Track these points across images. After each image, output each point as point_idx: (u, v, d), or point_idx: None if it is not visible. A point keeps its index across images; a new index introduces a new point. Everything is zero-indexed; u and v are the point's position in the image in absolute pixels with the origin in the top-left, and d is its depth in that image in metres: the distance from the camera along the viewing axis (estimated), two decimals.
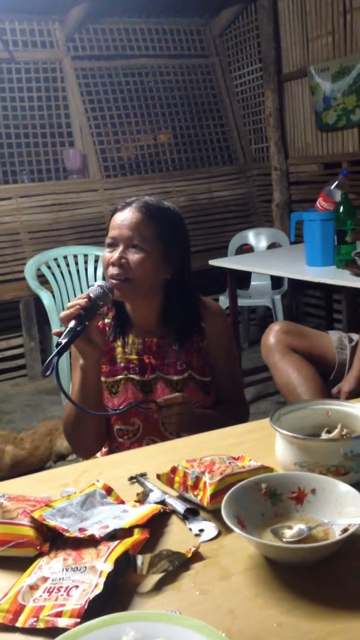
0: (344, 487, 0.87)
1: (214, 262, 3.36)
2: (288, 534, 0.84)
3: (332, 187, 2.80)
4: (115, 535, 0.89)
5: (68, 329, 1.24)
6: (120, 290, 1.35)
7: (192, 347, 1.44)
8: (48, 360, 1.18)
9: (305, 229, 2.95)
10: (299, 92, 4.29)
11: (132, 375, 1.43)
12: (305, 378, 1.86)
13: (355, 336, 2.02)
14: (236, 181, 4.89)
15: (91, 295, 1.29)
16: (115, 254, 1.35)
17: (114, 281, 1.35)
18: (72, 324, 1.24)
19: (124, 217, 1.37)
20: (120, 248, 1.35)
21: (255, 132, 4.84)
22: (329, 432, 1.08)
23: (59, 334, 1.23)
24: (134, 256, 1.34)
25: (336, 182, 2.78)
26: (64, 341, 1.21)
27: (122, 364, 1.44)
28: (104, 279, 1.40)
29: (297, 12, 4.13)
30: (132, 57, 4.52)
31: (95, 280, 4.02)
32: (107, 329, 1.46)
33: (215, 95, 4.85)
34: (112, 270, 1.35)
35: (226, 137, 4.91)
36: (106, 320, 1.47)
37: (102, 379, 1.43)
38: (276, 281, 4.12)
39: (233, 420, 1.36)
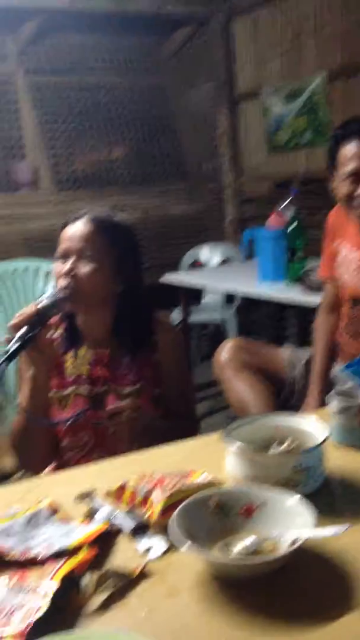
0: (292, 500, 0.88)
1: (166, 278, 3.37)
2: (237, 548, 0.83)
3: (283, 205, 2.86)
4: (61, 554, 0.87)
5: (17, 336, 1.22)
6: (70, 302, 1.34)
7: (144, 359, 1.43)
8: None
9: (257, 246, 3.00)
10: (251, 113, 4.37)
11: (82, 389, 1.41)
12: (257, 395, 1.87)
13: (306, 352, 2.05)
14: (190, 197, 4.93)
15: (41, 304, 1.28)
16: (66, 266, 1.34)
17: (64, 293, 1.33)
18: (21, 331, 1.23)
19: (75, 229, 1.36)
20: (72, 260, 1.35)
21: (208, 150, 4.91)
22: (278, 445, 1.09)
23: (9, 341, 1.21)
24: (84, 267, 1.34)
25: (287, 201, 2.85)
26: (13, 348, 1.19)
27: (72, 377, 1.42)
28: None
29: (250, 34, 4.23)
30: (87, 73, 4.52)
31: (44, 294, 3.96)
32: (57, 341, 1.44)
33: (169, 113, 4.90)
34: (63, 282, 1.34)
35: (180, 154, 4.96)
36: (56, 334, 1.45)
37: (51, 392, 1.41)
38: (228, 297, 4.16)
39: (183, 434, 1.36)
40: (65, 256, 1.36)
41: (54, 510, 0.99)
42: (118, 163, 4.71)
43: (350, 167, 1.68)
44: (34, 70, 4.34)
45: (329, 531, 0.80)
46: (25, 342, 1.23)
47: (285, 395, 1.97)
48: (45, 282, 3.99)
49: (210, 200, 4.93)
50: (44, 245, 4.28)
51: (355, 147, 1.68)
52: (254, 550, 0.82)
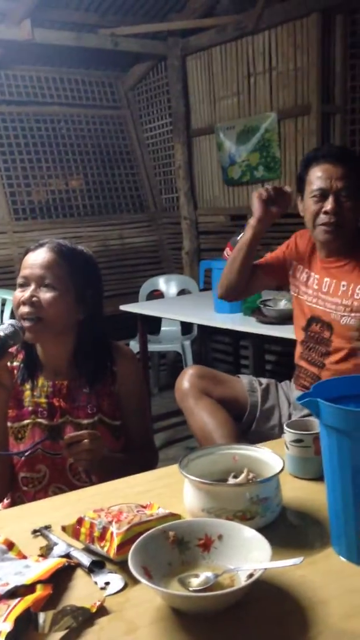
0: (249, 532, 0.89)
1: (124, 307, 3.38)
2: (194, 582, 0.83)
3: (238, 238, 2.92)
4: (16, 592, 0.85)
5: None
6: (31, 330, 1.33)
7: (103, 390, 1.43)
8: None
9: (213, 277, 3.05)
10: (206, 147, 4.48)
11: (40, 420, 1.39)
12: (220, 423, 1.89)
13: (264, 380, 2.08)
14: (147, 228, 4.98)
15: (1, 333, 1.26)
16: (27, 293, 1.33)
17: (25, 321, 1.32)
18: None
19: (37, 257, 1.36)
20: (32, 287, 1.34)
21: (165, 182, 4.99)
22: (235, 476, 1.10)
23: None
24: (45, 295, 1.33)
25: (241, 234, 2.90)
26: None
27: (30, 408, 1.40)
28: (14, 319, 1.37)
29: (205, 73, 4.36)
30: (45, 104, 4.56)
31: (2, 322, 3.91)
32: (15, 371, 1.42)
33: (126, 145, 4.97)
34: (23, 309, 1.33)
35: (137, 186, 5.02)
36: (15, 363, 1.43)
37: (8, 423, 1.39)
38: (186, 327, 4.19)
39: (142, 465, 1.35)
40: (25, 284, 1.35)
41: (8, 547, 0.97)
42: (75, 194, 4.73)
43: (316, 186, 1.78)
44: None
45: (285, 563, 0.82)
46: None
47: (247, 422, 2.00)
48: (1, 311, 3.94)
49: (167, 231, 4.99)
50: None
51: (323, 168, 1.78)
52: (212, 584, 0.83)
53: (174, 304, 3.57)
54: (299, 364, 1.97)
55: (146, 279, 4.46)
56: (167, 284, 4.39)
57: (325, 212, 1.77)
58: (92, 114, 4.77)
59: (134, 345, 3.73)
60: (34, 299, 1.33)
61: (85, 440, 1.25)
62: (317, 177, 1.79)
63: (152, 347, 3.89)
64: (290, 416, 1.95)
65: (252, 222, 2.02)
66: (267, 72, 3.93)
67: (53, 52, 4.18)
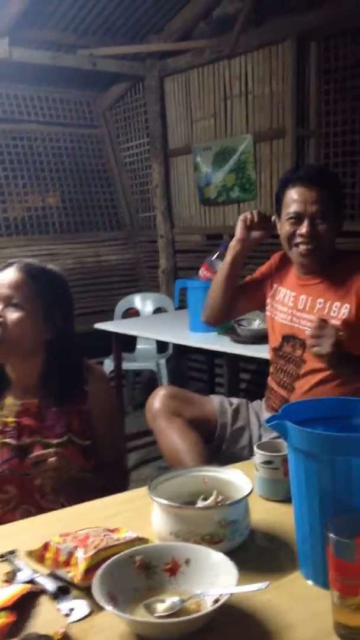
0: (216, 556, 0.88)
1: (99, 326, 3.37)
2: (160, 608, 0.82)
3: (213, 257, 2.95)
4: None
5: None
6: None
7: (73, 409, 1.41)
8: None
9: (188, 296, 3.06)
10: (183, 167, 4.52)
11: (8, 439, 1.37)
12: (189, 445, 1.89)
13: (235, 400, 2.09)
14: (124, 246, 4.99)
15: None
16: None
17: None
18: None
19: (5, 277, 1.36)
20: (0, 307, 1.33)
21: (142, 201, 5.01)
22: (205, 499, 1.10)
23: None
24: (12, 315, 1.33)
25: (217, 254, 2.93)
26: None
27: None
28: None
29: (182, 94, 4.42)
30: (22, 122, 4.56)
31: None
32: None
33: (104, 164, 4.99)
34: None
35: (114, 204, 5.04)
36: None
37: None
38: (161, 345, 4.19)
39: (113, 487, 1.34)
40: None
41: None
42: (52, 211, 4.72)
43: (292, 209, 1.80)
44: None
45: (251, 588, 0.81)
46: None
47: (216, 442, 1.99)
48: None
49: (144, 249, 5.00)
50: None
51: (299, 191, 1.80)
52: (178, 610, 0.82)
53: (150, 323, 3.57)
54: (270, 385, 1.98)
55: (122, 296, 4.46)
56: (143, 302, 4.39)
57: (301, 235, 1.80)
58: (69, 132, 4.78)
59: (109, 364, 3.71)
60: (1, 319, 1.32)
61: (51, 459, 1.23)
62: (292, 199, 1.81)
63: (127, 365, 3.88)
64: (260, 437, 1.95)
65: (232, 243, 2.04)
66: (243, 95, 3.99)
67: (31, 70, 4.20)
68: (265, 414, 1.97)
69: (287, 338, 1.91)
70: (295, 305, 1.88)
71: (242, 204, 4.12)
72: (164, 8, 4.12)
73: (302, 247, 1.81)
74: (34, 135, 4.60)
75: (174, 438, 1.91)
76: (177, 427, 1.92)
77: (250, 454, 1.97)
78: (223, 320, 2.25)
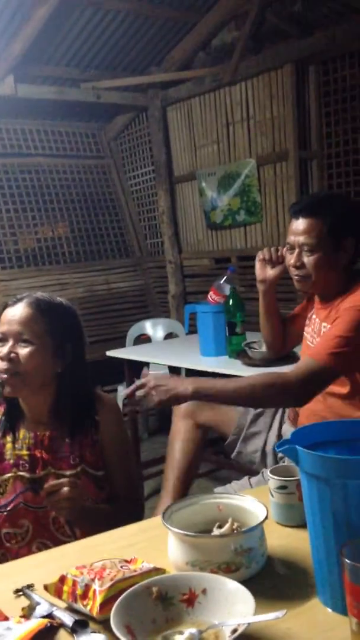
0: (232, 585, 0.88)
1: (111, 353, 3.39)
2: (179, 639, 0.82)
3: (222, 281, 2.96)
4: None
5: None
6: (10, 385, 1.34)
7: (85, 440, 1.42)
8: None
9: (198, 321, 3.07)
10: (189, 193, 4.58)
11: (21, 472, 1.38)
12: (178, 459, 2.03)
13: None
14: (133, 273, 5.03)
15: None
16: (5, 349, 1.35)
17: (3, 376, 1.33)
18: None
19: (14, 313, 1.38)
20: (10, 343, 1.35)
21: (150, 227, 5.07)
22: (220, 526, 1.09)
23: None
24: (23, 350, 1.35)
25: (225, 277, 2.95)
26: None
27: (12, 461, 1.39)
28: None
29: (185, 122, 4.50)
30: (29, 156, 4.65)
31: None
32: None
33: (111, 193, 5.07)
34: (2, 365, 1.34)
35: (122, 232, 5.10)
36: None
37: None
38: (173, 370, 4.19)
39: (127, 517, 1.34)
40: (3, 339, 1.37)
41: None
42: (62, 241, 4.79)
43: (288, 240, 1.82)
44: None
45: (268, 617, 0.81)
46: None
47: (230, 443, 2.01)
48: None
49: (153, 275, 5.04)
50: None
51: (292, 223, 1.80)
52: None
53: (161, 348, 3.58)
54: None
55: (133, 323, 4.48)
56: (154, 328, 4.41)
57: (289, 265, 1.81)
58: (76, 163, 4.87)
59: (122, 390, 3.71)
60: (12, 354, 1.34)
61: (65, 488, 1.24)
62: (289, 231, 1.82)
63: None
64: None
65: (257, 284, 2.08)
66: (244, 120, 4.05)
67: (36, 105, 4.30)
68: (286, 427, 1.98)
69: None
70: (313, 329, 1.90)
71: (249, 227, 4.15)
72: (163, 40, 4.22)
73: (294, 277, 1.82)
74: (41, 168, 4.69)
75: (174, 446, 2.03)
76: (181, 431, 2.03)
77: (263, 460, 1.98)
78: (283, 351, 2.25)
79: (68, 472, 1.38)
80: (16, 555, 1.34)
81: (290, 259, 1.79)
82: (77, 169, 4.87)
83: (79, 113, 4.69)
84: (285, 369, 2.05)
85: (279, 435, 2.01)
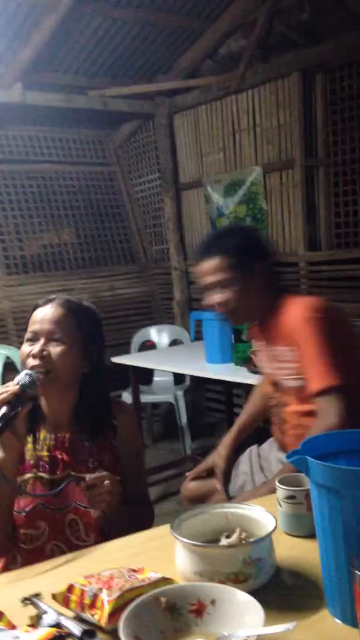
0: (242, 596, 0.87)
1: (116, 359, 3.39)
2: None
3: None
4: None
5: (1, 414, 1.22)
6: (41, 383, 1.34)
7: (104, 444, 1.43)
8: None
9: (204, 328, 3.08)
10: (195, 200, 4.59)
11: (41, 473, 1.38)
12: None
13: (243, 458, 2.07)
14: (138, 280, 5.04)
15: (21, 382, 1.28)
16: (37, 347, 1.36)
17: (40, 376, 1.34)
18: (3, 410, 1.23)
19: (46, 312, 1.40)
20: (42, 342, 1.37)
21: (155, 234, 5.08)
22: (228, 536, 1.09)
23: None
24: (55, 349, 1.36)
25: None
26: None
27: (32, 461, 1.39)
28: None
29: (191, 130, 4.51)
30: (36, 162, 4.67)
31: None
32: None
33: (117, 200, 5.08)
34: (33, 362, 1.35)
35: (128, 238, 5.11)
36: None
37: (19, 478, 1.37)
38: (178, 377, 4.19)
39: (142, 520, 1.36)
40: (34, 338, 1.38)
41: None
42: (67, 247, 4.80)
43: (202, 283, 1.79)
44: None
45: (277, 629, 0.80)
46: (7, 422, 1.22)
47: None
48: None
49: (158, 282, 5.05)
50: None
51: (201, 264, 1.78)
52: None
53: (166, 355, 3.58)
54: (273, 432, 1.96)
55: (138, 329, 4.48)
56: (159, 335, 4.41)
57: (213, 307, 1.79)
58: (82, 170, 4.89)
59: (127, 397, 3.71)
60: (44, 352, 1.35)
61: (107, 482, 1.25)
62: (199, 275, 1.80)
63: (144, 398, 3.88)
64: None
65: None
66: (251, 128, 4.07)
67: (44, 112, 4.32)
68: (274, 453, 1.95)
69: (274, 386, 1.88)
70: (266, 357, 1.85)
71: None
72: (171, 48, 4.24)
73: (223, 317, 1.82)
74: (48, 174, 4.71)
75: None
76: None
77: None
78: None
79: (87, 476, 1.38)
80: (28, 557, 1.33)
81: (210, 300, 1.77)
82: (83, 176, 4.89)
83: (86, 120, 4.71)
84: None
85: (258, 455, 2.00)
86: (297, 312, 1.67)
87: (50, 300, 1.42)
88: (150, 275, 5.09)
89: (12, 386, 1.28)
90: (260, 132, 4.01)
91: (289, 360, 1.72)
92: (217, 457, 1.98)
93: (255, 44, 3.84)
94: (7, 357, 3.96)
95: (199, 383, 4.37)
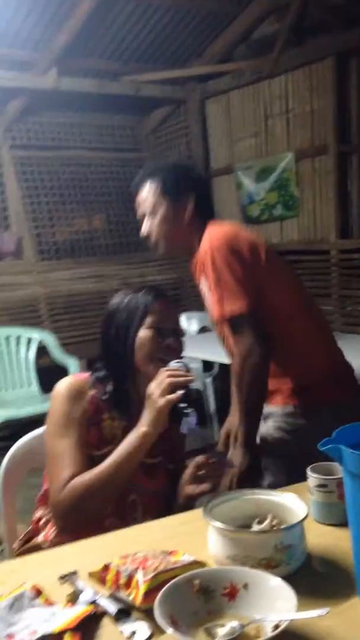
0: (274, 581, 0.89)
1: None
2: (221, 632, 0.84)
3: None
4: None
5: (184, 394, 1.29)
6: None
7: (165, 432, 1.44)
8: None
9: None
10: (225, 187, 4.57)
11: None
12: None
13: None
14: (168, 266, 5.05)
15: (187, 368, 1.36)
16: (172, 340, 1.42)
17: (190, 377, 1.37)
18: (180, 392, 1.30)
19: (168, 306, 1.47)
20: (171, 339, 1.43)
21: None
22: (259, 522, 1.10)
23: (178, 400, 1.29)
24: (177, 342, 1.45)
25: None
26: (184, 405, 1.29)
27: (109, 438, 1.41)
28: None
29: (223, 115, 4.48)
30: (68, 149, 4.70)
31: (28, 362, 3.97)
32: (98, 403, 1.43)
33: None
34: (175, 364, 1.38)
35: None
36: (93, 391, 1.44)
37: (95, 452, 1.39)
38: (207, 364, 4.20)
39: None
40: (164, 334, 1.43)
41: (37, 593, 0.99)
42: (98, 233, 4.83)
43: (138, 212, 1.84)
44: (18, 146, 4.51)
45: (311, 614, 0.82)
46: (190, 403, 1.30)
47: None
48: (27, 349, 4.01)
49: (188, 269, 5.05)
50: (25, 313, 4.32)
51: (138, 195, 1.82)
52: (238, 634, 0.83)
53: (195, 342, 3.60)
54: None
55: None
56: (188, 322, 4.42)
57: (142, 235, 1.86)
58: (114, 157, 4.91)
59: None
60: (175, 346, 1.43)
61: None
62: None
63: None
64: None
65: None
66: (283, 114, 4.02)
67: (77, 98, 4.34)
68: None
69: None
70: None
71: (285, 221, 4.13)
72: (204, 32, 4.20)
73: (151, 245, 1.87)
74: (80, 161, 4.74)
75: None
76: None
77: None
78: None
79: (148, 461, 1.41)
80: (87, 527, 1.32)
81: (142, 230, 1.83)
82: (115, 162, 4.91)
83: (118, 106, 4.72)
84: None
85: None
86: (204, 242, 1.71)
87: (161, 294, 1.48)
88: (179, 262, 5.09)
89: (183, 372, 1.33)
90: (293, 118, 3.97)
91: (207, 292, 1.75)
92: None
93: (289, 28, 3.78)
94: (41, 342, 4.04)
95: (228, 370, 4.37)
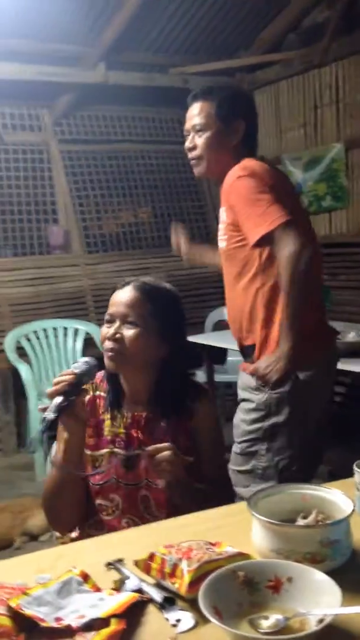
0: (319, 576, 0.89)
1: (190, 338, 3.43)
2: (265, 624, 0.84)
3: None
4: (92, 625, 0.88)
5: (55, 404, 1.28)
6: (113, 360, 1.40)
7: (180, 426, 1.45)
8: (34, 435, 1.21)
9: None
10: None
11: (117, 449, 1.44)
12: None
13: None
14: None
15: (76, 371, 1.33)
16: (111, 329, 1.41)
17: (109, 354, 1.40)
18: (58, 399, 1.29)
19: (122, 295, 1.44)
20: (117, 324, 1.42)
21: None
22: (304, 517, 1.10)
23: (44, 410, 1.26)
24: (128, 332, 1.40)
25: None
26: (50, 416, 1.25)
27: (109, 437, 1.45)
28: (83, 355, 1.45)
29: (272, 105, 4.43)
30: (116, 142, 4.75)
31: (75, 354, 4.04)
32: (98, 401, 1.48)
33: (193, 178, 5.07)
34: (107, 345, 1.41)
35: (205, 217, 5.11)
36: (98, 393, 1.49)
37: (88, 452, 1.43)
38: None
39: (219, 500, 1.37)
40: (111, 320, 1.44)
41: (84, 579, 1.01)
42: (144, 226, 4.86)
43: (184, 128, 1.90)
44: (67, 140, 4.58)
45: (356, 609, 0.81)
46: (61, 411, 1.28)
47: None
48: (73, 341, 4.09)
49: None
50: (72, 305, 4.39)
51: (189, 109, 1.90)
52: (282, 627, 0.83)
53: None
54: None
55: (213, 309, 4.50)
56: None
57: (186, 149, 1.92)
58: (160, 149, 4.92)
59: (201, 376, 3.75)
60: (117, 335, 1.40)
61: (167, 452, 1.29)
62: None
63: (218, 378, 3.90)
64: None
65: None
66: (333, 103, 3.94)
67: (125, 92, 4.37)
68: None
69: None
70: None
71: (334, 213, 4.05)
72: (252, 22, 4.16)
73: (191, 162, 1.92)
74: (127, 154, 4.77)
75: None
76: None
77: None
78: None
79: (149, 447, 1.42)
80: (108, 525, 1.40)
81: (186, 144, 1.87)
82: (161, 155, 4.92)
83: (165, 99, 4.72)
84: None
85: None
86: (231, 172, 1.75)
87: (127, 283, 1.46)
88: None
89: (68, 375, 1.32)
90: (343, 107, 3.89)
91: (223, 221, 1.80)
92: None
93: (339, 16, 3.70)
94: (87, 334, 4.10)
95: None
